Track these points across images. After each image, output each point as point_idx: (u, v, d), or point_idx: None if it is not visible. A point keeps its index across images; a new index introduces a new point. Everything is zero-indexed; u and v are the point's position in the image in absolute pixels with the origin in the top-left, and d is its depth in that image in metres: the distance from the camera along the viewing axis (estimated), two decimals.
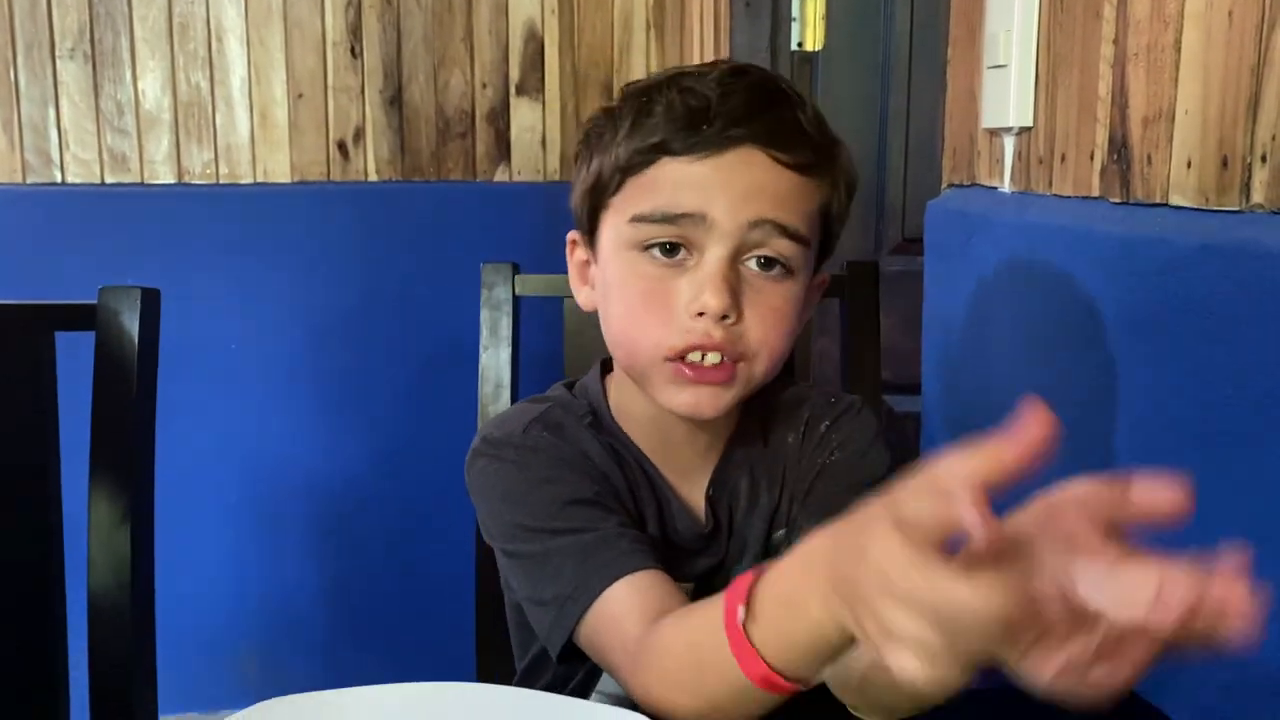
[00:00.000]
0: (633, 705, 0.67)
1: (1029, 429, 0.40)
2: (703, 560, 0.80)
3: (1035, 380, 0.93)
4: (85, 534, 0.89)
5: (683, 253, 0.72)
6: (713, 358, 0.72)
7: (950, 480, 0.41)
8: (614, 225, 0.76)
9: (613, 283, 0.76)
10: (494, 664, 1.09)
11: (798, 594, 0.52)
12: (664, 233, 0.72)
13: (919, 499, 0.42)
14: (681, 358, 0.72)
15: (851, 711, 0.69)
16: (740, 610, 0.55)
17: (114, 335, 0.89)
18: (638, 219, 0.73)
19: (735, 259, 0.72)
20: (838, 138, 0.78)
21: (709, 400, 0.74)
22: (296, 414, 2.07)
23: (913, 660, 0.42)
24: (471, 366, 1.18)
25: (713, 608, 0.58)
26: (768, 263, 0.73)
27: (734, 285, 0.72)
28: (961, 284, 1.06)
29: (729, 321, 0.72)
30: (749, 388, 0.75)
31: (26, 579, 0.88)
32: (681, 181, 0.72)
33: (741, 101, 0.72)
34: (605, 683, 0.81)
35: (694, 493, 0.82)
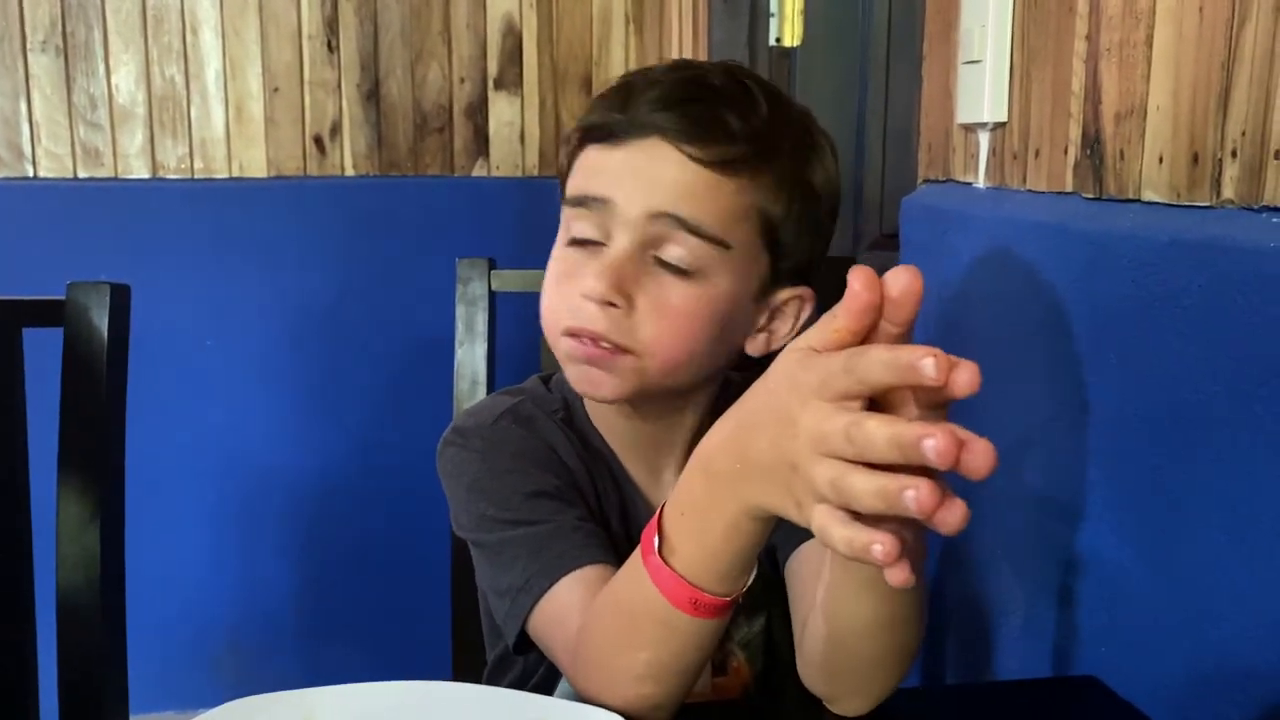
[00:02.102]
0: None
1: (858, 293, 0.47)
2: None
3: (1008, 373, 0.93)
4: (54, 532, 0.88)
5: (597, 238, 0.73)
6: (604, 344, 0.72)
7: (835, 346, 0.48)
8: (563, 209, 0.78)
9: (549, 263, 0.77)
10: (470, 660, 1.09)
11: (705, 500, 0.56)
12: (580, 215, 0.73)
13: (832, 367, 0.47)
14: (575, 336, 0.73)
15: (827, 706, 0.69)
16: (654, 541, 0.58)
17: (83, 331, 0.88)
18: (565, 202, 0.75)
19: (642, 251, 0.72)
20: (803, 142, 0.76)
21: (600, 380, 0.74)
22: (272, 410, 2.06)
23: (838, 520, 0.47)
24: (447, 362, 1.17)
25: (632, 560, 0.60)
26: (673, 256, 0.72)
27: (627, 275, 0.71)
28: (936, 279, 1.06)
29: (616, 310, 0.71)
30: (644, 382, 0.74)
31: None
32: (596, 167, 0.73)
33: (661, 93, 0.72)
34: None
35: (662, 492, 0.82)
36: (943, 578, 1.08)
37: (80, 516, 0.87)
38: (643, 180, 0.71)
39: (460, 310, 1.17)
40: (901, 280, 0.47)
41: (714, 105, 0.72)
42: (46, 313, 0.89)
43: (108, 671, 0.89)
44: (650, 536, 0.58)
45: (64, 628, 0.88)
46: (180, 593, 2.05)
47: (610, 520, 0.80)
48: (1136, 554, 0.76)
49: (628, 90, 0.73)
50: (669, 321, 0.72)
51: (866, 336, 0.48)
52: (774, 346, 0.77)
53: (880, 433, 0.45)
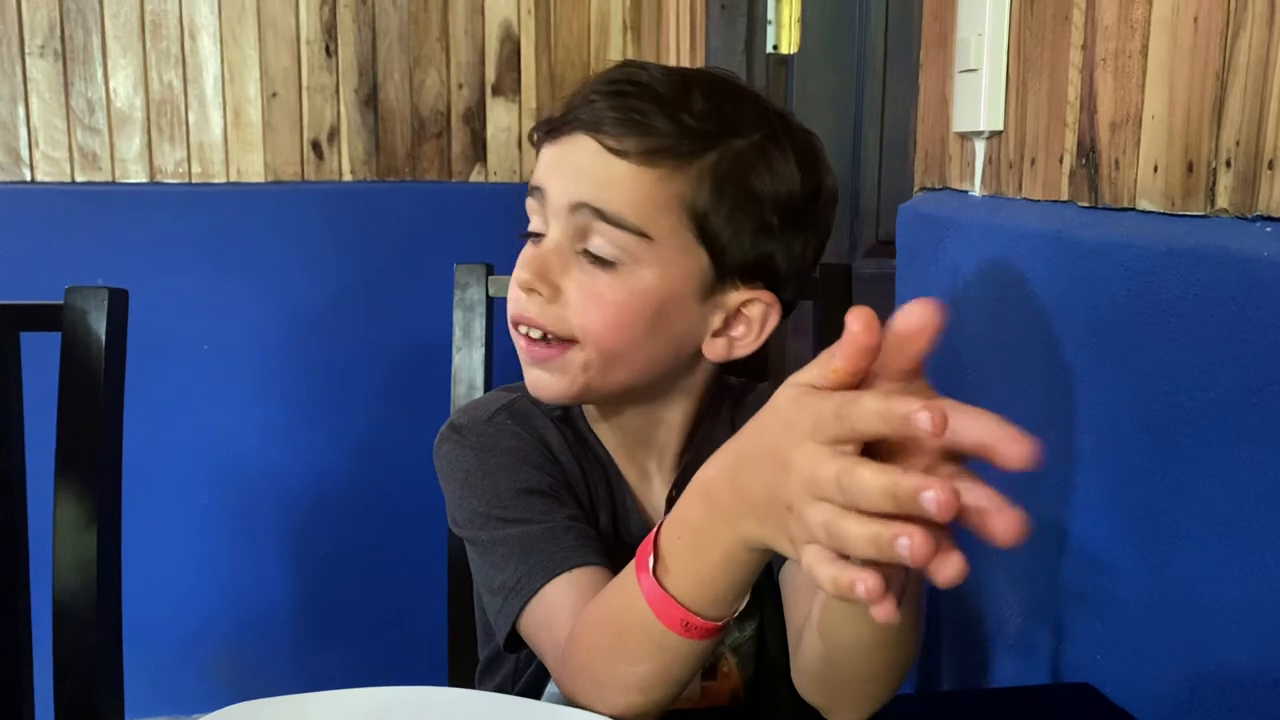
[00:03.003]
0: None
1: (855, 335, 0.46)
2: None
3: (1004, 380, 0.94)
4: (51, 536, 0.88)
5: (541, 239, 0.76)
6: (534, 332, 0.75)
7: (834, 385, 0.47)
8: None
9: None
10: (465, 664, 1.09)
11: (703, 527, 0.55)
12: (531, 209, 0.77)
13: (828, 408, 0.46)
14: (520, 329, 0.76)
15: (824, 715, 0.70)
16: (649, 560, 0.58)
17: (80, 336, 0.88)
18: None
19: (570, 242, 0.74)
20: (752, 143, 0.74)
21: (546, 382, 0.76)
22: (269, 415, 2.06)
23: (825, 560, 0.46)
24: (444, 367, 1.17)
25: (625, 574, 0.61)
26: (593, 256, 0.73)
27: (553, 264, 0.73)
28: (932, 287, 1.06)
29: (540, 297, 0.73)
30: (589, 378, 0.75)
31: None
32: (541, 161, 0.77)
33: (589, 90, 0.75)
34: None
35: (655, 493, 0.82)
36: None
37: (77, 520, 0.87)
38: (566, 171, 0.74)
39: (458, 315, 1.17)
40: (915, 316, 0.46)
41: (637, 99, 0.73)
42: (44, 317, 0.89)
43: (103, 676, 0.89)
44: (645, 555, 0.58)
45: (60, 632, 0.88)
46: (176, 596, 2.04)
47: (600, 517, 0.80)
48: (1131, 561, 0.76)
49: (576, 90, 0.76)
50: (596, 309, 0.73)
51: (871, 371, 0.47)
52: (737, 352, 0.77)
53: (874, 482, 0.44)
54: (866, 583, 0.44)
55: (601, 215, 0.72)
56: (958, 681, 1.06)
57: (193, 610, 2.07)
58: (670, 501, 0.81)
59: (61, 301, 0.89)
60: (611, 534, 0.80)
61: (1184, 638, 0.71)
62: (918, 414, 0.42)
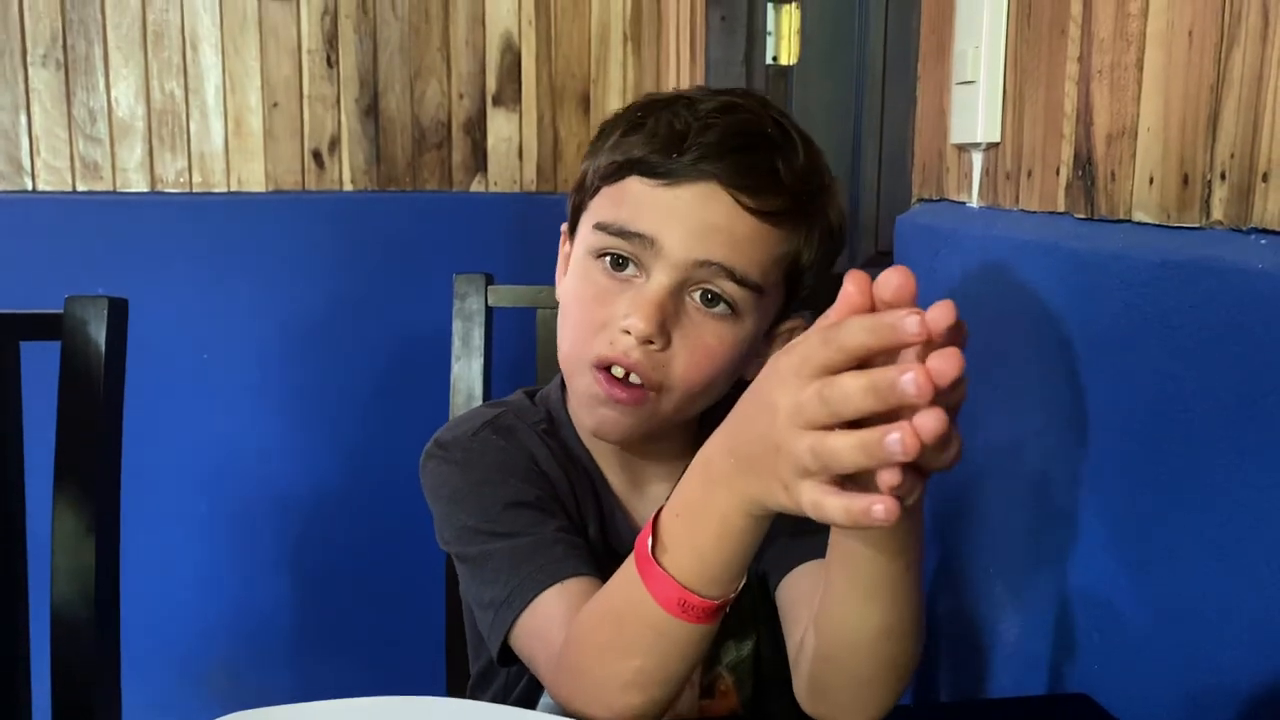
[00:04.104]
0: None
1: (852, 294, 0.48)
2: None
3: (1000, 392, 0.94)
4: (49, 545, 0.88)
5: (632, 269, 0.73)
6: (633, 378, 0.73)
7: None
8: (585, 227, 0.77)
9: (570, 282, 0.78)
10: (463, 674, 1.09)
11: (699, 499, 0.56)
12: (617, 245, 0.73)
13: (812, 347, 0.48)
14: (605, 368, 0.73)
15: None
16: (648, 542, 0.58)
17: (80, 345, 0.88)
18: (599, 226, 0.74)
19: (680, 289, 0.72)
20: (826, 185, 0.77)
21: (614, 422, 0.75)
22: (268, 424, 2.06)
23: (827, 493, 0.47)
24: (444, 377, 1.18)
25: (624, 565, 0.61)
26: (712, 299, 0.73)
27: (668, 313, 0.72)
28: (929, 297, 1.06)
29: (654, 347, 0.72)
30: (656, 420, 0.75)
31: None
32: (643, 202, 0.73)
33: (718, 137, 0.72)
34: None
35: (644, 504, 0.82)
36: (936, 595, 1.08)
37: (76, 529, 0.87)
38: (693, 225, 0.71)
39: (457, 325, 1.17)
40: (893, 282, 0.47)
41: (767, 154, 0.73)
42: (44, 326, 0.90)
43: (101, 686, 0.89)
44: (644, 539, 0.59)
45: (58, 641, 0.88)
46: (174, 606, 2.04)
47: (589, 529, 0.80)
48: (1128, 572, 0.77)
49: (681, 131, 0.73)
50: (701, 359, 0.73)
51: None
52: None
53: (854, 383, 0.45)
54: (884, 503, 0.45)
55: (729, 273, 0.71)
56: (956, 692, 1.06)
57: (191, 620, 2.07)
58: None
59: (61, 310, 0.90)
60: (600, 544, 0.80)
61: (1182, 648, 0.71)
62: (905, 319, 0.44)
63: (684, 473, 0.80)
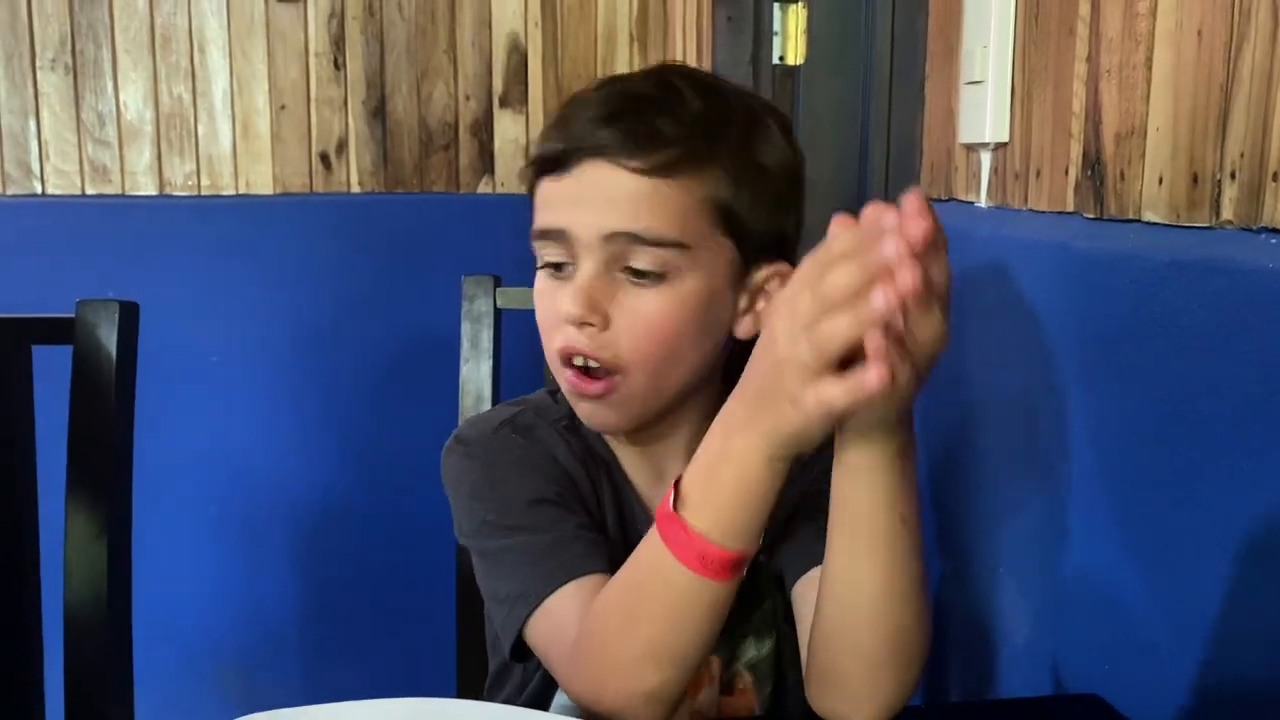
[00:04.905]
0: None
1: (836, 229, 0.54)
2: None
3: (1010, 392, 0.94)
4: (62, 547, 0.88)
5: (568, 268, 0.75)
6: (591, 364, 0.74)
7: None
8: None
9: (534, 297, 0.80)
10: (474, 675, 1.09)
11: (719, 450, 0.59)
12: (545, 249, 0.76)
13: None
14: (569, 363, 0.75)
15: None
16: (670, 500, 0.61)
17: (92, 349, 0.89)
18: (531, 238, 0.77)
19: (606, 269, 0.73)
20: (736, 123, 0.76)
21: (596, 414, 0.77)
22: (277, 426, 2.07)
23: (828, 382, 0.52)
24: (452, 378, 1.18)
25: (646, 535, 0.63)
26: (638, 271, 0.73)
27: (599, 294, 0.73)
28: None
29: (594, 329, 0.73)
30: (637, 401, 0.76)
31: (3, 593, 0.88)
32: (549, 199, 0.75)
33: (591, 115, 0.73)
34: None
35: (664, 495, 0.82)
36: (946, 595, 1.08)
37: (88, 531, 0.88)
38: (591, 204, 0.73)
39: (465, 327, 1.17)
40: (912, 201, 0.50)
41: (646, 114, 0.73)
42: (56, 330, 0.90)
43: (113, 687, 0.89)
44: (666, 500, 0.61)
45: (71, 642, 0.88)
46: (184, 607, 2.05)
47: (608, 523, 0.81)
48: (1138, 572, 0.76)
49: (565, 117, 0.75)
50: (641, 332, 0.73)
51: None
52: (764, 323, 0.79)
53: (840, 267, 0.50)
54: (874, 368, 0.50)
55: (640, 239, 0.72)
56: (966, 692, 1.06)
57: (202, 621, 2.08)
58: None
59: (73, 314, 0.90)
60: (619, 538, 0.80)
61: (1192, 648, 0.71)
62: (885, 242, 0.49)
63: None
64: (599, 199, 0.72)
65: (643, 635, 0.63)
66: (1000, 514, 0.97)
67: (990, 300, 0.98)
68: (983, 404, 0.99)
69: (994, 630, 0.99)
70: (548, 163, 0.75)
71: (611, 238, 0.72)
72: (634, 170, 0.71)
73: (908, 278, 0.49)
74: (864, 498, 0.60)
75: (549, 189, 0.75)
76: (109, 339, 0.89)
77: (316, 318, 2.06)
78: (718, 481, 0.59)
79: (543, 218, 0.76)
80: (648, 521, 0.82)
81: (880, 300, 0.49)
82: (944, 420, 1.08)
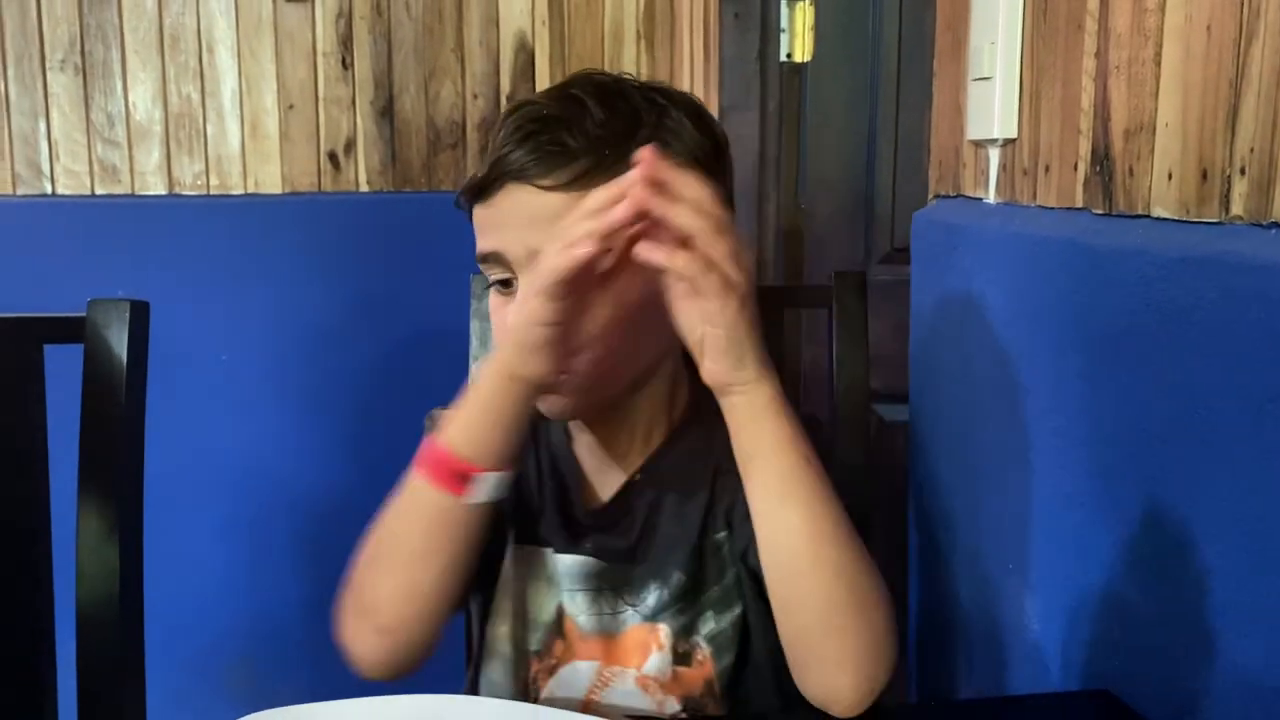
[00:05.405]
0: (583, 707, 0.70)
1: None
2: (607, 538, 0.85)
3: (1019, 388, 0.94)
4: (74, 547, 0.89)
5: (514, 283, 0.79)
6: None
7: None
8: None
9: None
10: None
11: (473, 379, 0.71)
12: (490, 271, 0.80)
13: None
14: None
15: (828, 711, 0.70)
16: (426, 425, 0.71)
17: (103, 348, 0.89)
18: (476, 260, 0.82)
19: None
20: (645, 123, 0.78)
21: (557, 406, 0.81)
22: (287, 425, 2.07)
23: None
24: (461, 377, 1.18)
25: None
26: None
27: None
28: (947, 294, 1.06)
29: None
30: (592, 395, 0.80)
31: (15, 592, 0.88)
32: (481, 225, 0.81)
33: (503, 140, 0.77)
34: (556, 684, 0.84)
35: (615, 475, 0.86)
36: (956, 591, 1.08)
37: (100, 532, 0.88)
38: (516, 226, 0.77)
39: (474, 325, 1.18)
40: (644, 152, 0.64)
41: (550, 133, 0.76)
42: (67, 329, 0.90)
43: (126, 685, 0.90)
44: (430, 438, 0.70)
45: (83, 641, 0.88)
46: (195, 606, 2.05)
47: (544, 495, 0.86)
48: (1148, 567, 0.76)
49: (487, 145, 0.80)
50: (589, 335, 0.75)
51: None
52: None
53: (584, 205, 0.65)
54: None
55: None
56: (975, 689, 1.06)
57: (214, 620, 2.08)
58: (632, 483, 0.85)
59: (84, 314, 0.90)
60: (556, 509, 0.85)
61: (1202, 645, 0.71)
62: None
63: (654, 438, 0.86)
64: (521, 221, 0.76)
65: (384, 564, 0.73)
66: (1010, 510, 0.97)
67: (998, 296, 0.98)
68: (993, 398, 0.99)
69: (1005, 626, 0.98)
70: (474, 191, 0.79)
71: (537, 254, 0.73)
72: (548, 189, 0.75)
73: (647, 157, 0.62)
74: (765, 441, 0.69)
75: (480, 215, 0.80)
76: (120, 338, 0.89)
77: (325, 317, 2.06)
78: (466, 403, 0.71)
79: (480, 242, 0.80)
80: (585, 494, 0.86)
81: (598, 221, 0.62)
82: (955, 415, 1.08)
